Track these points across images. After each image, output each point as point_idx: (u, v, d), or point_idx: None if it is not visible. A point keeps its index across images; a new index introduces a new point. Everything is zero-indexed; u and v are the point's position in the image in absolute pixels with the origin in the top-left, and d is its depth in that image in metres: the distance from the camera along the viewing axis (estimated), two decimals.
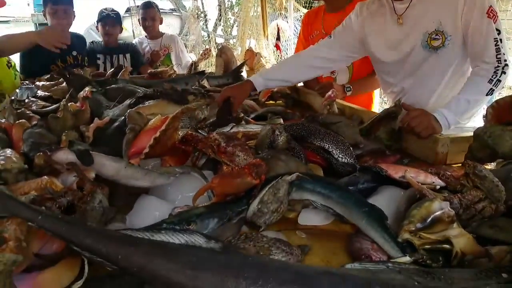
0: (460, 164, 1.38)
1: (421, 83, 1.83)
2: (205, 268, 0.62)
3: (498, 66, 1.55)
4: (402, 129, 1.54)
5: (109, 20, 3.52)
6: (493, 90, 1.55)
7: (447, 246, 0.80)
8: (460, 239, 0.80)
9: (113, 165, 0.97)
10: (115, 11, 3.61)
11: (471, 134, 1.32)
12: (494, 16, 1.57)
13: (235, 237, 0.78)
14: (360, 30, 1.96)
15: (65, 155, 0.96)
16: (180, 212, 0.90)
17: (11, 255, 0.62)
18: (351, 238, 0.90)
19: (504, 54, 1.56)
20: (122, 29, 3.76)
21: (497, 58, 1.55)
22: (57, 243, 0.78)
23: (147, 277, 0.64)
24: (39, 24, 8.84)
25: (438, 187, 1.07)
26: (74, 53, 3.25)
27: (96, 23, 3.58)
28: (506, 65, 1.55)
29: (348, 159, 1.25)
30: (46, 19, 3.17)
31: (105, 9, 3.56)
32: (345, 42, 2.03)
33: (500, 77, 1.54)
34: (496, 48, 1.56)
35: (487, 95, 1.56)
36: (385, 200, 1.03)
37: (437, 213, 0.84)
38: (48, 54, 2.99)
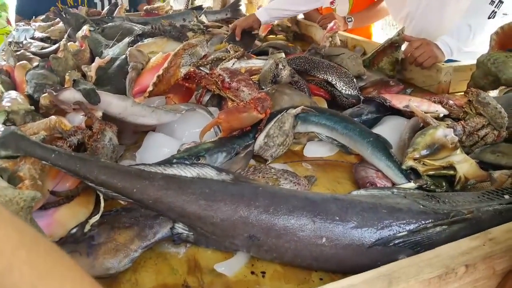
0: (463, 93, 1.39)
1: (427, 7, 1.76)
2: (218, 198, 0.65)
3: None
4: (405, 59, 1.52)
5: None
6: (495, 12, 1.48)
7: (450, 171, 0.83)
8: (463, 164, 0.82)
9: (119, 103, 0.97)
10: None
11: (474, 62, 1.31)
12: None
13: (244, 169, 0.80)
14: None
15: (71, 95, 0.95)
16: (189, 147, 0.92)
17: (30, 192, 0.64)
18: (356, 167, 0.93)
19: None
20: None
21: None
22: (71, 180, 0.81)
23: (162, 209, 0.67)
24: None
25: (441, 115, 1.09)
26: None
27: None
28: None
29: (352, 91, 1.25)
30: None
31: None
32: None
33: None
34: None
35: (489, 18, 1.49)
36: (389, 130, 1.04)
37: (441, 139, 0.86)
38: None
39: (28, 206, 0.65)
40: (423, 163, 0.85)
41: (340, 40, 1.80)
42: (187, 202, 0.66)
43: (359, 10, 2.30)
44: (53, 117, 0.93)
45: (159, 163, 0.76)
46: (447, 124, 1.01)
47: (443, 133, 0.85)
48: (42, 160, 0.74)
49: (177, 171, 0.71)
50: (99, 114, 0.96)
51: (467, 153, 0.90)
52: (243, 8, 2.79)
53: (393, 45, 1.50)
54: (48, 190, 0.79)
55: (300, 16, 2.51)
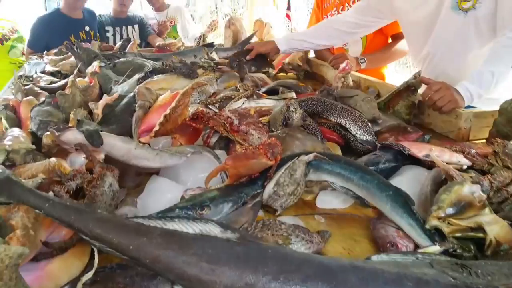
0: (484, 140, 1.33)
1: (448, 49, 1.72)
2: (222, 261, 0.58)
3: None
4: (422, 103, 1.47)
5: None
6: None
7: (479, 234, 0.75)
8: (494, 226, 0.75)
9: (123, 146, 0.92)
10: None
11: (496, 108, 1.25)
12: None
13: (252, 225, 0.74)
14: None
15: (73, 136, 0.91)
16: (193, 196, 0.86)
17: (17, 248, 0.58)
18: (375, 223, 0.85)
19: None
20: (133, 1, 3.69)
21: None
22: (66, 230, 0.75)
23: (160, 269, 0.61)
24: None
25: (464, 167, 1.02)
26: (87, 28, 3.20)
27: None
28: None
29: (367, 136, 1.20)
30: None
31: None
32: (373, 4, 1.95)
33: None
34: None
35: None
36: (408, 181, 0.98)
37: (468, 197, 0.79)
38: (61, 30, 2.97)
39: (14, 263, 0.59)
40: (448, 223, 0.78)
41: (352, 80, 1.77)
42: (187, 264, 0.59)
43: (372, 51, 2.27)
44: (52, 159, 0.89)
45: (159, 216, 0.70)
46: (471, 177, 0.94)
47: (469, 190, 0.79)
48: (36, 209, 0.69)
49: (178, 226, 0.65)
50: (101, 156, 0.92)
51: (496, 211, 0.82)
52: None
53: (409, 88, 1.45)
54: (41, 241, 0.74)
55: (311, 55, 2.50)
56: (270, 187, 0.92)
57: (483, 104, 1.51)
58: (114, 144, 0.91)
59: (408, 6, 1.82)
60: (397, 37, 2.22)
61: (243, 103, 1.47)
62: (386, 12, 1.95)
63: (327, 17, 2.47)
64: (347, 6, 2.37)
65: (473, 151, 1.09)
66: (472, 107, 1.51)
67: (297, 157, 0.95)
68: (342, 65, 1.75)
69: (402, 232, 0.81)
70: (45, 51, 2.55)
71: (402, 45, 2.25)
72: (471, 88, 1.42)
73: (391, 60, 2.39)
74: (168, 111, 1.20)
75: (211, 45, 2.64)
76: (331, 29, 2.05)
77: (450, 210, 0.77)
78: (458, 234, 0.76)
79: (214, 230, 0.64)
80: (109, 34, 3.48)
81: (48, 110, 1.22)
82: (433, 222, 0.76)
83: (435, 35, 1.74)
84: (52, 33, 2.99)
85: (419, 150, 1.04)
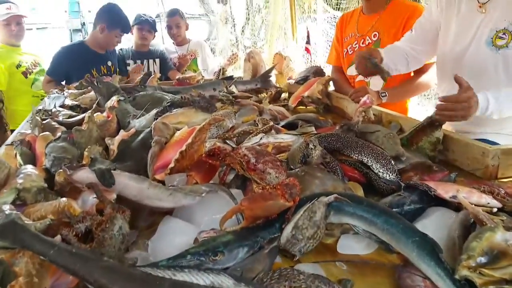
0: None
1: (477, 84, 1.70)
2: None
3: None
4: (445, 139, 1.41)
5: (147, 25, 3.56)
6: None
7: None
8: None
9: (135, 186, 0.90)
10: (152, 17, 3.66)
11: None
12: None
13: (268, 274, 0.69)
14: (438, 19, 1.88)
15: (85, 175, 0.89)
16: (206, 240, 0.82)
17: None
18: (400, 272, 0.79)
19: None
20: (155, 36, 3.78)
21: None
22: (72, 278, 0.71)
23: None
24: (73, 30, 9.08)
25: (495, 209, 0.95)
26: (109, 63, 3.27)
27: (131, 25, 3.60)
28: None
29: (391, 174, 1.14)
30: (101, 32, 3.17)
31: (144, 14, 3.59)
32: (424, 34, 1.94)
33: None
34: None
35: None
36: (434, 225, 0.92)
37: (501, 245, 0.73)
38: (83, 62, 3.05)
39: None
40: (480, 273, 0.72)
41: (373, 114, 1.72)
42: None
43: (393, 85, 2.23)
44: (63, 199, 0.87)
45: (169, 264, 0.66)
46: (503, 221, 0.88)
47: (502, 237, 0.73)
48: (41, 256, 0.66)
49: (188, 277, 0.61)
50: (113, 196, 0.90)
51: None
52: (273, 78, 2.80)
53: (433, 123, 1.39)
54: None
55: (331, 88, 2.47)
56: (288, 230, 0.87)
57: (509, 141, 1.45)
58: (127, 183, 0.88)
59: (446, 37, 1.83)
60: (420, 70, 2.18)
61: (261, 138, 1.44)
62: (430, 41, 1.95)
63: (347, 50, 2.47)
64: (368, 39, 2.36)
65: (502, 191, 1.03)
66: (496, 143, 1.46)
67: (316, 198, 0.90)
68: (363, 99, 1.71)
69: (430, 282, 0.75)
70: (64, 81, 2.60)
71: (425, 78, 2.20)
72: (492, 102, 1.42)
73: (413, 94, 2.34)
74: (184, 148, 1.18)
75: (230, 78, 2.65)
76: (400, 54, 2.01)
77: (481, 259, 0.71)
78: (491, 287, 0.69)
79: (226, 282, 0.60)
80: (130, 67, 3.55)
81: (63, 146, 1.21)
82: (463, 272, 0.70)
83: (466, 70, 1.72)
84: (74, 64, 3.05)
85: (445, 190, 0.98)
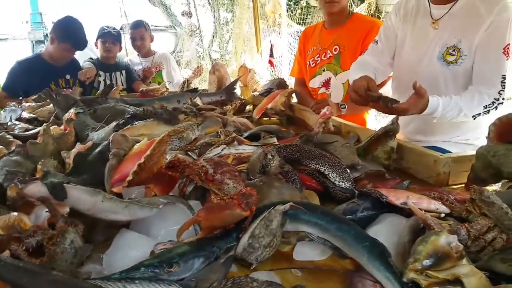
0: (463, 185, 1.32)
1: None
2: None
3: (495, 101, 1.61)
4: (400, 148, 1.47)
5: (110, 37, 3.52)
6: (479, 115, 1.63)
7: (457, 287, 0.72)
8: (472, 278, 0.72)
9: (88, 199, 0.88)
10: (116, 29, 3.62)
11: (473, 153, 1.25)
12: (508, 55, 1.63)
13: (221, 283, 0.70)
14: (396, 29, 1.96)
15: (36, 189, 0.87)
16: (161, 252, 0.81)
17: None
18: (352, 277, 0.82)
19: (504, 92, 1.63)
20: (121, 48, 3.73)
21: (499, 93, 1.61)
22: None
23: None
24: (35, 41, 8.84)
25: (443, 214, 1.00)
26: (67, 76, 3.20)
27: (96, 39, 3.56)
28: (502, 103, 1.62)
29: (346, 183, 1.18)
30: (50, 43, 3.11)
31: (107, 26, 3.55)
32: (389, 44, 2.01)
33: (492, 109, 1.62)
34: (502, 85, 1.62)
35: (473, 116, 1.63)
36: (386, 230, 0.95)
37: (445, 248, 0.76)
38: (40, 76, 2.96)
39: None
40: (426, 275, 0.75)
41: (333, 125, 1.77)
42: None
43: None
44: (13, 214, 0.85)
45: (121, 276, 0.65)
46: (450, 225, 0.92)
47: (446, 240, 0.76)
48: None
49: None
50: (65, 210, 0.88)
51: (474, 261, 0.80)
52: (238, 90, 2.83)
53: (388, 133, 1.45)
54: None
55: (294, 100, 2.52)
56: (245, 239, 0.88)
57: (459, 149, 1.53)
58: (79, 197, 0.87)
59: (402, 49, 1.92)
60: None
61: (222, 150, 1.45)
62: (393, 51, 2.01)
63: (309, 63, 2.53)
64: (329, 53, 2.43)
65: (452, 197, 1.08)
66: (447, 151, 1.54)
67: (273, 207, 0.92)
68: (323, 111, 1.76)
69: (380, 285, 0.78)
70: (21, 97, 2.53)
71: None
72: (440, 107, 1.55)
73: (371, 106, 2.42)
74: (142, 160, 1.17)
75: (195, 90, 2.66)
76: (370, 69, 2.03)
77: (427, 262, 0.74)
78: None
79: None
80: (101, 79, 3.50)
81: (17, 160, 1.18)
82: (410, 275, 0.73)
83: (418, 80, 1.80)
84: (30, 78, 2.97)
85: (397, 197, 1.02)
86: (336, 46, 2.40)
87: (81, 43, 3.16)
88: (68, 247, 0.76)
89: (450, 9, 1.72)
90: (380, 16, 5.75)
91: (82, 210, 0.88)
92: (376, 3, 6.33)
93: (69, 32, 3.11)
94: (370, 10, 6.00)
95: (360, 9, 5.88)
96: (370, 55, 2.06)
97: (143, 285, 0.60)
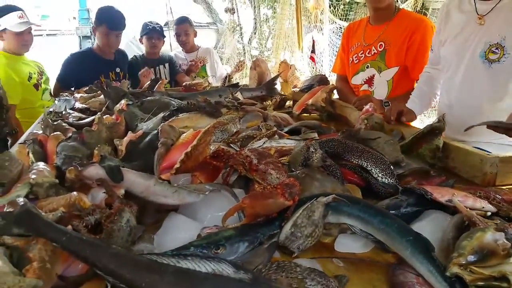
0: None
1: (469, 94, 1.78)
2: None
3: None
4: (445, 147, 1.44)
5: (155, 33, 3.62)
6: None
7: (504, 284, 0.72)
8: None
9: (142, 182, 0.94)
10: (159, 24, 3.72)
11: None
12: None
13: (266, 266, 0.73)
14: (443, 31, 1.94)
15: (95, 171, 0.94)
16: (208, 234, 0.85)
17: (31, 280, 0.60)
18: (394, 269, 0.83)
19: None
20: (164, 42, 3.84)
21: None
22: (82, 265, 0.76)
23: None
24: (82, 36, 9.21)
25: (489, 213, 0.99)
26: (117, 69, 3.33)
27: (140, 35, 3.69)
28: None
29: (389, 179, 1.18)
30: (94, 35, 3.26)
31: (150, 22, 3.66)
32: (436, 52, 2.01)
33: None
34: None
35: None
36: (430, 227, 0.95)
37: (491, 245, 0.76)
38: (92, 69, 3.09)
39: None
40: (470, 270, 0.75)
41: (376, 123, 1.76)
42: None
43: (397, 95, 2.27)
44: (74, 193, 0.91)
45: (174, 253, 0.70)
46: (496, 225, 0.91)
47: (492, 237, 0.76)
48: (53, 242, 0.70)
49: (191, 264, 0.65)
50: (121, 192, 0.94)
51: None
52: (278, 86, 2.85)
53: (433, 131, 1.43)
54: (57, 274, 0.74)
55: (335, 96, 2.51)
56: (287, 228, 0.90)
57: (501, 150, 1.48)
58: (134, 180, 0.92)
59: (447, 44, 1.89)
60: None
61: (264, 143, 1.48)
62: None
63: (353, 59, 2.51)
64: (374, 49, 2.40)
65: (499, 197, 1.06)
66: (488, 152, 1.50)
67: (315, 198, 0.94)
68: (366, 107, 1.75)
69: (422, 279, 0.78)
70: (73, 88, 2.65)
71: None
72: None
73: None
74: (189, 149, 1.22)
75: (236, 85, 2.70)
76: (435, 82, 2.08)
77: (471, 258, 0.74)
78: (480, 283, 0.73)
79: (227, 270, 0.63)
80: None
81: (74, 145, 1.26)
82: (453, 269, 0.73)
83: (459, 80, 1.80)
84: (83, 70, 3.11)
85: (441, 195, 1.01)
86: (381, 43, 2.37)
87: (117, 23, 3.20)
88: (124, 225, 0.81)
89: (497, 4, 1.67)
90: (426, 12, 5.59)
91: (136, 192, 0.94)
92: None
93: (102, 14, 3.23)
94: (417, 6, 5.85)
95: (406, 6, 5.73)
96: (429, 66, 2.09)
97: (195, 261, 0.64)
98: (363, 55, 2.46)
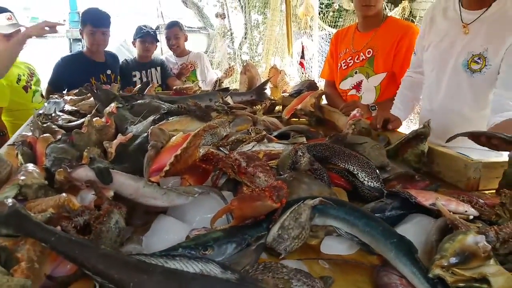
0: (494, 191, 1.31)
1: (451, 102, 1.82)
2: None
3: None
4: (430, 152, 1.47)
5: (149, 37, 3.63)
6: None
7: (484, 285, 0.74)
8: (499, 278, 0.74)
9: (131, 184, 0.95)
10: (153, 29, 3.73)
11: (506, 159, 1.25)
12: None
13: (253, 266, 0.74)
14: (427, 36, 1.97)
15: (84, 173, 0.94)
16: (197, 236, 0.87)
17: (19, 279, 0.60)
18: (378, 271, 0.84)
19: None
20: (157, 46, 3.85)
21: None
22: (70, 265, 0.76)
23: None
24: (73, 39, 9.16)
25: (471, 217, 1.01)
26: (108, 71, 3.33)
27: (134, 38, 3.70)
28: None
29: (375, 182, 1.20)
30: (83, 38, 3.26)
31: (145, 26, 3.67)
32: (418, 55, 2.04)
33: None
34: None
35: None
36: (414, 230, 0.97)
37: (472, 247, 0.78)
38: (83, 72, 3.08)
39: None
40: (452, 272, 0.77)
41: (363, 128, 1.78)
42: None
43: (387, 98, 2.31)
44: (63, 195, 0.92)
45: (162, 254, 0.71)
46: (478, 228, 0.93)
47: (474, 240, 0.78)
48: (42, 242, 0.71)
49: (179, 265, 0.66)
50: (110, 193, 0.94)
51: (502, 263, 0.81)
52: (268, 91, 2.87)
53: (419, 136, 1.46)
54: (45, 274, 0.75)
55: (324, 102, 2.54)
56: (274, 230, 0.92)
57: (483, 156, 1.51)
58: (123, 182, 0.93)
59: (431, 50, 1.93)
60: None
61: (253, 146, 1.49)
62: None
63: (341, 65, 2.54)
64: (362, 56, 2.44)
65: (481, 201, 1.08)
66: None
67: (302, 201, 0.96)
68: (353, 112, 1.78)
69: (406, 280, 0.80)
70: (65, 91, 2.64)
71: None
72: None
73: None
74: (179, 152, 1.23)
75: (226, 89, 2.72)
76: (418, 85, 2.11)
77: (453, 260, 0.76)
78: (461, 285, 0.75)
79: (214, 270, 0.65)
80: (136, 78, 3.62)
81: (63, 147, 1.26)
82: (436, 271, 0.75)
83: (442, 89, 1.86)
84: (74, 73, 3.10)
85: (425, 198, 1.03)
86: (369, 49, 2.41)
87: (100, 20, 3.20)
88: (113, 226, 0.82)
89: (481, 14, 1.71)
90: (414, 20, 5.68)
91: (125, 194, 0.94)
92: (410, 7, 6.27)
93: (86, 15, 3.26)
94: (404, 14, 5.94)
95: (394, 13, 5.82)
96: (412, 70, 2.13)
97: (183, 261, 0.65)
98: (351, 61, 2.49)
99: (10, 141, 1.57)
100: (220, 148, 1.53)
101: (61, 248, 0.68)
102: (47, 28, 2.64)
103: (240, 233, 0.90)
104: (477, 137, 1.39)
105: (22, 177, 1.02)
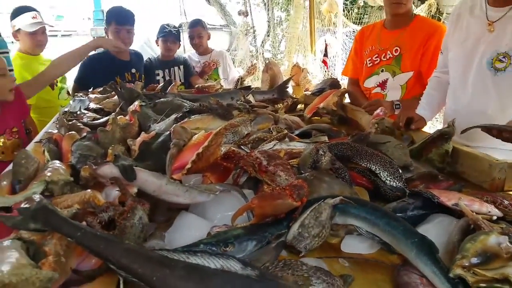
0: None
1: (475, 100, 1.79)
2: None
3: None
4: (455, 152, 1.45)
5: (171, 37, 3.67)
6: None
7: (506, 286, 0.73)
8: None
9: (155, 181, 0.97)
10: (176, 28, 3.76)
11: None
12: None
13: (273, 263, 0.75)
14: (452, 34, 1.94)
15: (109, 170, 0.97)
16: (218, 233, 0.88)
17: (47, 272, 0.63)
18: (398, 270, 0.84)
19: None
20: (180, 45, 3.88)
21: None
22: (96, 259, 0.79)
23: None
24: (97, 37, 9.32)
25: (495, 217, 0.99)
26: (133, 70, 3.39)
27: (157, 37, 3.75)
28: None
29: (397, 182, 1.19)
30: (108, 36, 3.32)
31: (168, 25, 3.70)
32: (444, 54, 2.02)
33: None
34: None
35: None
36: (436, 230, 0.96)
37: (494, 248, 0.77)
38: (108, 70, 3.15)
39: (44, 287, 0.63)
40: (473, 272, 0.76)
41: (386, 127, 1.77)
42: None
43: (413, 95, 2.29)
44: (88, 191, 0.94)
45: (184, 249, 0.72)
46: (502, 229, 0.92)
47: (496, 240, 0.77)
48: (68, 237, 0.73)
49: (201, 260, 0.67)
50: (134, 190, 0.97)
51: None
52: (290, 89, 2.87)
53: (443, 136, 1.43)
54: (71, 268, 0.77)
55: (347, 100, 2.52)
56: (295, 228, 0.92)
57: (507, 156, 1.48)
58: (147, 179, 0.95)
59: (456, 48, 1.90)
60: None
61: (274, 145, 1.50)
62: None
63: (366, 63, 2.52)
64: (389, 54, 2.40)
65: (506, 202, 1.06)
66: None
67: (323, 200, 0.96)
68: (377, 111, 1.76)
69: (426, 280, 0.79)
70: (91, 89, 2.71)
71: None
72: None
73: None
74: (200, 150, 1.25)
75: (248, 88, 2.73)
76: (442, 87, 2.08)
77: (474, 260, 0.75)
78: (483, 285, 0.74)
79: (235, 266, 0.66)
80: (159, 77, 3.68)
81: (88, 145, 1.29)
82: (457, 271, 0.75)
83: (468, 85, 1.81)
84: (99, 72, 3.17)
85: (448, 198, 1.02)
86: (397, 48, 2.38)
87: (125, 18, 3.27)
88: (137, 222, 0.84)
89: (507, 12, 1.67)
90: (441, 17, 5.57)
91: (148, 191, 0.97)
92: (437, 4, 6.14)
93: (110, 14, 3.32)
94: (431, 11, 5.82)
95: (420, 10, 5.71)
96: (439, 68, 2.09)
97: (204, 257, 0.67)
98: (378, 59, 2.46)
99: (36, 138, 1.62)
100: (241, 146, 1.54)
101: (87, 243, 0.70)
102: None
103: (261, 231, 0.91)
104: (489, 129, 1.39)
105: (49, 174, 1.05)
